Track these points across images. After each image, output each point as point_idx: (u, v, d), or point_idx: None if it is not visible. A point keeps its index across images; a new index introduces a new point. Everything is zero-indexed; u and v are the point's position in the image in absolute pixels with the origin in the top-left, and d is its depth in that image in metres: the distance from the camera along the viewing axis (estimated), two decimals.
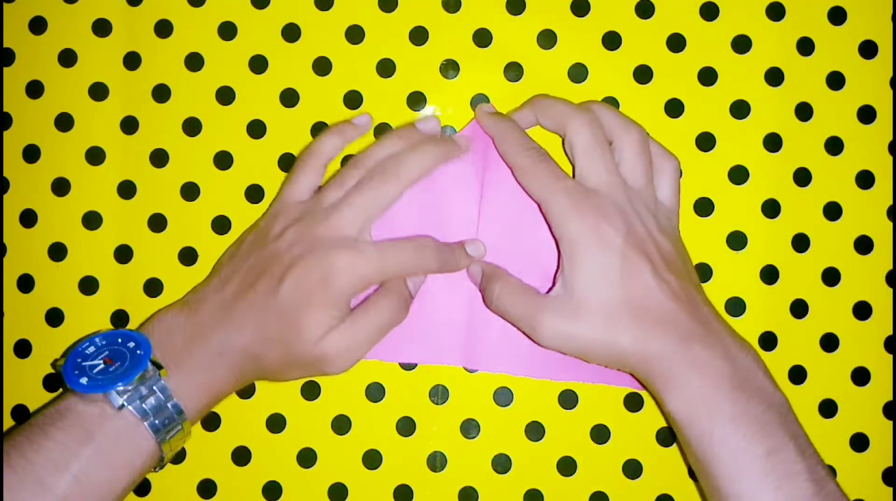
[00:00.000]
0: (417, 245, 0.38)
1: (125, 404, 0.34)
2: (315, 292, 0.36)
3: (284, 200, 0.39)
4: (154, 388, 0.34)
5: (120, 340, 0.35)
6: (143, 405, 0.34)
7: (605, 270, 0.35)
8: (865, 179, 0.42)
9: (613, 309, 0.35)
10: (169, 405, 0.35)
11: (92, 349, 0.35)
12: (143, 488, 0.42)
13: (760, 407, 0.34)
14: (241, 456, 0.42)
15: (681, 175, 0.39)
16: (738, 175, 0.42)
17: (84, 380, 0.34)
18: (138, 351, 0.35)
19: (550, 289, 0.37)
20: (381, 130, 0.42)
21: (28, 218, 0.42)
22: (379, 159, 0.39)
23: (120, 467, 0.34)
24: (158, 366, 0.35)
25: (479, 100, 0.42)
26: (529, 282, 0.38)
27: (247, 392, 0.42)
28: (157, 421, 0.34)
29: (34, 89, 0.42)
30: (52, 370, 0.42)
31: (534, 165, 0.38)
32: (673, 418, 0.35)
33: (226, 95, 0.42)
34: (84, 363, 0.35)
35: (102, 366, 0.34)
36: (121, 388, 0.34)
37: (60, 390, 0.41)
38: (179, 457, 0.42)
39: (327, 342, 0.36)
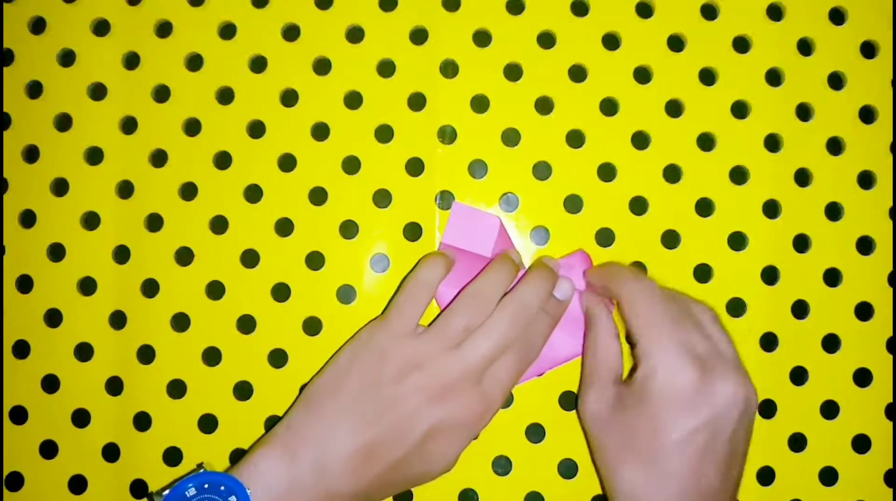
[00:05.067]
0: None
1: None
2: (447, 446, 0.36)
3: (397, 331, 0.37)
4: None
5: (223, 488, 0.34)
6: None
7: (660, 429, 0.35)
8: (866, 180, 0.42)
9: (635, 452, 0.35)
10: None
11: (193, 491, 0.34)
12: (141, 489, 0.41)
13: None
14: (239, 459, 0.41)
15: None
16: (739, 175, 0.42)
17: None
18: None
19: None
20: (382, 131, 0.42)
21: (27, 218, 0.42)
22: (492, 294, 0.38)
23: None
24: None
25: (478, 101, 0.42)
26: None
27: (245, 394, 0.42)
28: None
29: (34, 89, 0.42)
30: (52, 372, 0.42)
31: (655, 309, 0.36)
32: None
33: (225, 95, 0.42)
34: None
35: None
36: None
37: None
38: (176, 458, 0.41)
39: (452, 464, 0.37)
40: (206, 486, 0.34)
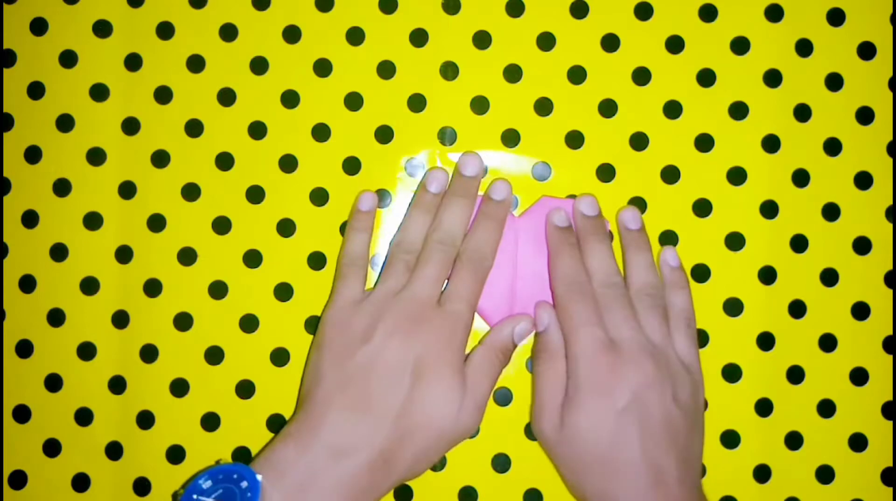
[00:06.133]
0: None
1: None
2: (437, 373, 0.36)
3: (341, 305, 0.39)
4: None
5: (235, 476, 0.34)
6: None
7: (596, 427, 0.36)
8: (864, 180, 0.42)
9: (588, 460, 0.36)
10: None
11: (209, 483, 0.34)
12: (144, 487, 0.42)
13: None
14: (242, 457, 0.42)
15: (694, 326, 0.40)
16: (737, 176, 0.42)
17: None
18: (248, 496, 0.33)
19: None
20: (383, 132, 0.42)
21: (29, 219, 0.42)
22: (420, 240, 0.40)
23: None
24: None
25: (478, 102, 0.42)
26: None
27: (247, 393, 0.42)
28: None
29: (35, 90, 0.42)
30: (55, 371, 0.42)
31: (570, 302, 0.38)
32: None
33: (226, 97, 0.42)
34: (198, 499, 0.34)
35: None
36: None
37: None
38: (179, 457, 0.42)
39: (465, 414, 0.37)
40: (220, 476, 0.34)
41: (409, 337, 0.36)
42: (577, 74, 0.42)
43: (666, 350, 0.38)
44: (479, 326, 0.41)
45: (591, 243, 0.40)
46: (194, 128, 0.42)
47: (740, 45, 0.42)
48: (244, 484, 0.34)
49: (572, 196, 0.42)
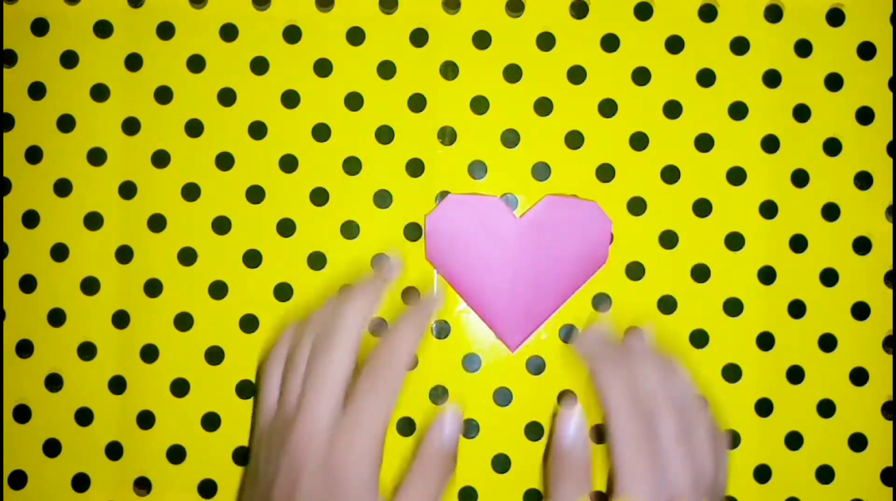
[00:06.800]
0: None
1: None
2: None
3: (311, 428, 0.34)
4: None
5: None
6: None
7: None
8: (864, 180, 0.42)
9: None
10: None
11: None
12: (144, 487, 0.42)
13: None
14: (242, 457, 0.42)
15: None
16: (736, 176, 0.42)
17: None
18: None
19: None
20: (382, 132, 0.42)
21: (30, 219, 0.42)
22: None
23: None
24: None
25: (478, 102, 0.42)
26: None
27: (247, 393, 0.42)
28: None
29: (36, 90, 0.42)
30: (55, 371, 0.42)
31: (632, 451, 0.34)
32: None
33: (227, 97, 0.42)
34: None
35: None
36: None
37: None
38: (179, 456, 0.42)
39: None
40: None
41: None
42: (577, 74, 0.42)
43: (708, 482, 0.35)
44: (484, 331, 0.41)
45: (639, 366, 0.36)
46: (194, 128, 0.42)
47: (740, 45, 0.42)
48: None
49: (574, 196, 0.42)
